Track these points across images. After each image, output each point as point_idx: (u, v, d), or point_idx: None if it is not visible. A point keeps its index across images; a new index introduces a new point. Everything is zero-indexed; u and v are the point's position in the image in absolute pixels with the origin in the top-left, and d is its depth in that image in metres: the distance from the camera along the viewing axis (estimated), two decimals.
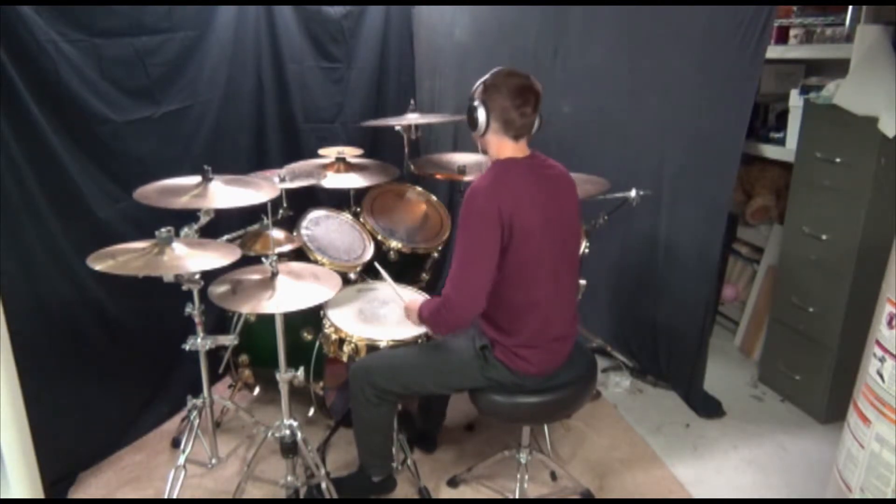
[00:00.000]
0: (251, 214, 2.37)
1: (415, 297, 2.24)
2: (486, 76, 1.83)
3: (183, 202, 1.94)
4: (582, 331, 2.83)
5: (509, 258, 1.77)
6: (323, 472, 2.07)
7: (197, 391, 2.22)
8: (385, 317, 2.22)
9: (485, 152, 1.93)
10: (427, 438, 2.48)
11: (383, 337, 2.08)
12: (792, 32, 2.95)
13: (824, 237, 2.58)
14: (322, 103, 3.23)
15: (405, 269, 2.70)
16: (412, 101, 2.94)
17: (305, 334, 2.42)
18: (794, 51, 2.92)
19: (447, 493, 2.27)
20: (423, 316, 1.95)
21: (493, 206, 1.72)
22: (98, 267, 1.73)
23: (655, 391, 2.95)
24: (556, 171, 1.92)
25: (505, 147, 1.84)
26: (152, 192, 2.00)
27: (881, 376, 1.66)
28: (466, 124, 1.89)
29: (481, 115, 1.80)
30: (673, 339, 2.87)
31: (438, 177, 2.87)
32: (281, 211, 2.59)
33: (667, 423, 2.69)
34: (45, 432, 1.94)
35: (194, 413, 2.18)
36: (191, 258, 1.84)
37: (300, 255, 2.45)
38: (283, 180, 2.36)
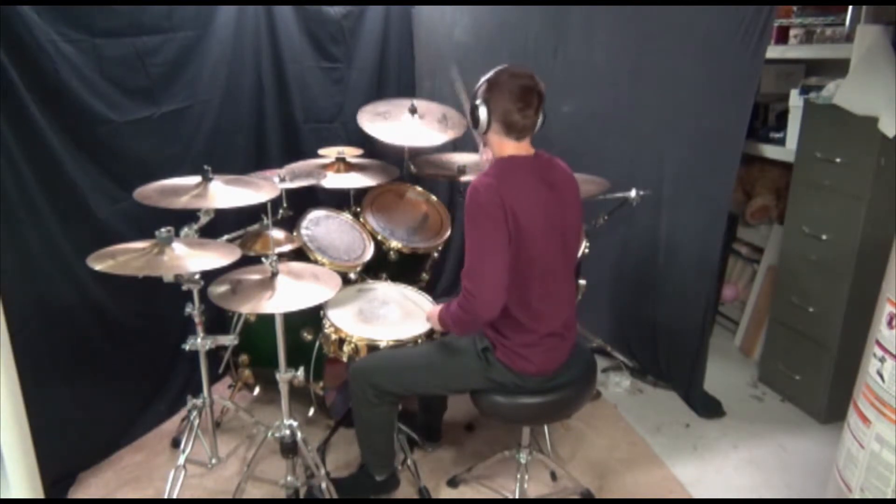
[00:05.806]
0: (251, 214, 2.37)
1: (429, 305, 2.21)
2: (491, 73, 1.82)
3: (183, 202, 1.94)
4: (582, 331, 2.83)
5: (511, 257, 1.77)
6: (323, 472, 2.07)
7: (197, 391, 2.21)
8: (385, 317, 2.23)
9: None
10: (430, 431, 2.48)
11: (383, 337, 2.08)
12: (792, 32, 2.95)
13: (824, 237, 2.58)
14: (322, 103, 3.22)
15: (405, 269, 2.70)
16: (412, 102, 2.93)
17: (305, 334, 2.42)
18: (794, 51, 2.92)
19: (447, 493, 2.27)
20: (444, 319, 1.90)
21: (496, 200, 1.72)
22: (98, 267, 1.73)
23: (655, 391, 2.95)
24: (560, 171, 1.91)
25: (506, 146, 1.84)
26: (152, 192, 2.00)
27: (881, 376, 1.66)
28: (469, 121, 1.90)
29: (483, 114, 1.80)
30: (673, 339, 2.87)
31: (438, 177, 2.87)
32: (281, 211, 2.60)
33: (667, 423, 2.69)
34: (45, 432, 1.94)
35: (194, 413, 2.18)
36: (191, 258, 1.84)
37: (300, 255, 2.45)
38: (283, 180, 2.36)
